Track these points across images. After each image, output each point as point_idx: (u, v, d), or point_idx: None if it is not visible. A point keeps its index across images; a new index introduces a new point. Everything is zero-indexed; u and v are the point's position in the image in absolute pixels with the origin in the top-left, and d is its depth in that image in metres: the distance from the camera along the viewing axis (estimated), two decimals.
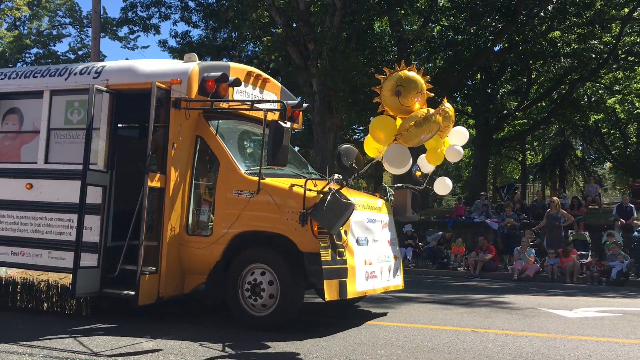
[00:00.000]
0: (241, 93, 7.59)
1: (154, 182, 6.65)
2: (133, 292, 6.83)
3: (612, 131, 34.54)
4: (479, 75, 27.51)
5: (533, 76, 27.60)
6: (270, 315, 6.43)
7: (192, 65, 6.97)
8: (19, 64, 33.63)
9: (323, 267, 6.18)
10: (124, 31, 31.52)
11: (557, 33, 24.27)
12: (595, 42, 23.66)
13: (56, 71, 7.60)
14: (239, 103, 7.44)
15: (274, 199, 6.49)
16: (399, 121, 6.10)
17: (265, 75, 8.12)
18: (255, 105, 7.31)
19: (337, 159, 6.07)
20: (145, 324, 6.83)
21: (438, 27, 25.66)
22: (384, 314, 7.91)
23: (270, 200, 6.51)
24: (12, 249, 7.54)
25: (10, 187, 7.63)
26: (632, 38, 24.90)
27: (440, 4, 24.23)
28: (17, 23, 35.60)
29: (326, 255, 6.24)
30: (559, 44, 24.37)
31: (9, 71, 7.94)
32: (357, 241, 6.78)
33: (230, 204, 6.73)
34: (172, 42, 27.39)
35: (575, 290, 12.38)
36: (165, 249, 6.74)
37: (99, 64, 7.48)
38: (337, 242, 6.42)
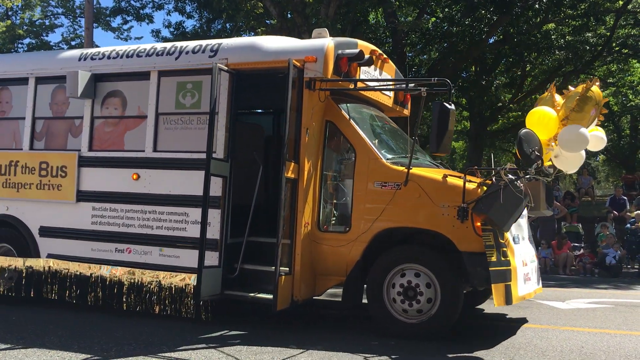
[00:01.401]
0: (365, 73, 6.84)
1: (289, 173, 5.92)
2: (258, 294, 6.21)
3: (605, 124, 34.59)
4: (473, 67, 27.43)
5: (527, 68, 27.72)
6: (427, 323, 5.68)
7: (327, 41, 6.22)
8: None
9: (490, 268, 5.43)
10: (117, 21, 30.90)
11: (551, 25, 24.15)
12: (590, 34, 23.49)
13: (164, 50, 6.88)
14: (385, 82, 6.73)
15: (427, 192, 5.75)
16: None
17: (384, 55, 7.36)
18: (387, 85, 6.56)
19: (518, 145, 5.31)
20: (275, 331, 6.14)
21: (433, 19, 25.36)
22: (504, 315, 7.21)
23: (422, 193, 5.77)
24: (117, 246, 6.87)
25: (113, 177, 6.95)
26: (626, 30, 24.76)
27: None
28: (10, 13, 35.08)
29: (492, 256, 5.49)
30: (553, 36, 24.16)
31: (107, 50, 7.24)
32: (513, 239, 6.02)
33: (372, 197, 5.99)
34: (165, 33, 26.91)
35: (568, 281, 12.38)
36: (299, 247, 6.02)
37: (214, 42, 6.75)
38: (501, 241, 5.66)
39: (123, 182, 6.87)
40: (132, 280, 6.61)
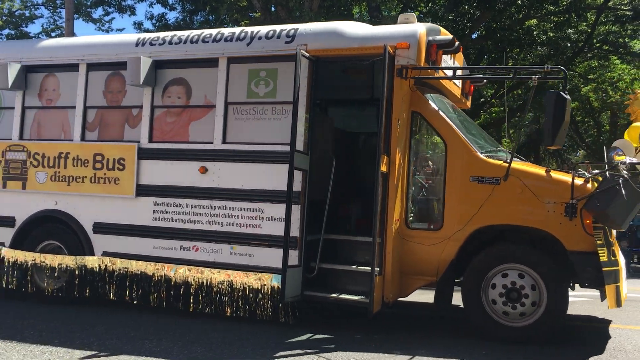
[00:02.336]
0: (444, 62, 6.49)
1: (382, 166, 5.56)
2: (340, 295, 5.87)
3: (586, 119, 35.58)
4: None
5: (510, 64, 27.85)
6: (531, 326, 5.37)
7: (420, 27, 5.86)
8: None
9: (603, 269, 5.13)
10: (98, 13, 30.37)
11: (533, 21, 24.40)
12: (571, 30, 23.67)
13: (232, 35, 6.46)
14: (490, 70, 6.40)
15: (530, 187, 5.43)
16: None
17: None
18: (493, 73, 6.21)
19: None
20: (361, 333, 5.80)
21: (417, 13, 25.32)
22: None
23: (524, 189, 5.44)
24: (182, 244, 6.46)
25: (177, 171, 6.52)
26: (606, 27, 25.01)
27: None
28: None
29: (603, 255, 5.19)
30: (535, 32, 24.42)
31: (169, 35, 6.79)
32: None
33: (467, 193, 5.65)
34: (147, 25, 26.56)
35: None
36: (390, 245, 5.66)
37: (288, 26, 6.35)
38: (610, 239, 5.36)
39: (188, 176, 6.45)
40: (201, 280, 6.21)
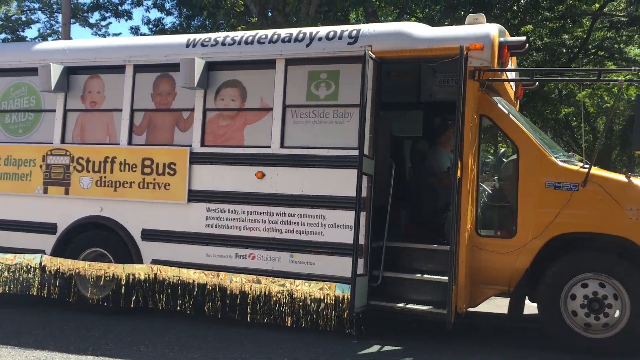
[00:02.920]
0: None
1: (458, 172, 5.36)
2: (407, 305, 5.67)
3: (581, 125, 35.51)
4: None
5: None
6: (614, 337, 5.18)
7: (492, 28, 5.68)
8: None
9: None
10: (95, 17, 30.41)
11: (529, 27, 24.45)
12: (567, 36, 23.79)
13: (290, 36, 6.25)
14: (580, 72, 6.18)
15: (611, 193, 5.24)
16: None
17: None
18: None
19: None
20: (432, 344, 5.59)
21: (413, 19, 25.42)
22: None
23: (605, 195, 5.26)
24: (237, 251, 6.23)
25: (231, 176, 6.30)
26: (602, 33, 25.20)
27: None
28: None
29: None
30: (531, 38, 24.55)
31: (220, 36, 6.58)
32: None
33: (543, 200, 5.45)
34: (144, 29, 26.64)
35: None
36: (463, 254, 5.46)
37: (350, 27, 6.16)
38: None
39: (244, 181, 6.23)
40: (259, 290, 5.99)
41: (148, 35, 25.95)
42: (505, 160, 6.02)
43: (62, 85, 6.95)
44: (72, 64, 7.01)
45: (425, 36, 5.80)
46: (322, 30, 6.19)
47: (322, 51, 6.05)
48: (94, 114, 7.01)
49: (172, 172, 6.48)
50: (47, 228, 6.96)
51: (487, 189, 5.92)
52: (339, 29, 6.16)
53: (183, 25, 27.02)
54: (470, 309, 5.80)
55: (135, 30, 27.04)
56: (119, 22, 44.70)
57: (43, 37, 34.29)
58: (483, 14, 5.95)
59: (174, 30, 26.30)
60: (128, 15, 26.35)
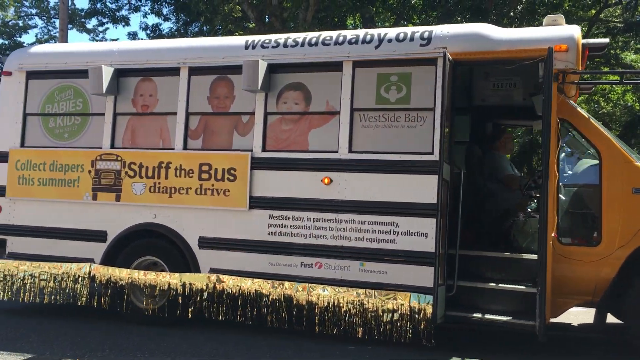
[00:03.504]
0: None
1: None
2: (486, 316, 5.48)
3: None
4: None
5: None
6: None
7: (574, 29, 5.54)
8: None
9: None
10: (92, 23, 30.40)
11: None
12: None
13: (357, 37, 6.06)
14: None
15: None
16: None
17: None
18: None
19: None
20: (517, 357, 5.39)
21: (410, 25, 25.57)
22: None
23: None
24: (303, 260, 6.01)
25: (296, 182, 6.09)
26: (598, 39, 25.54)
27: (413, 2, 23.77)
28: None
29: None
30: None
31: (281, 37, 6.38)
32: None
33: (630, 206, 5.30)
34: (142, 35, 26.55)
35: None
36: (549, 262, 5.27)
37: (420, 29, 5.98)
38: None
39: (310, 187, 6.02)
40: (328, 300, 5.77)
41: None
42: (582, 165, 5.84)
43: (112, 88, 6.72)
44: (122, 66, 6.78)
45: (503, 38, 5.63)
46: (391, 32, 6.01)
47: (393, 53, 5.86)
48: (146, 117, 6.78)
49: (232, 177, 6.25)
50: (96, 236, 6.71)
51: (567, 196, 5.74)
52: (408, 30, 5.98)
53: (180, 31, 26.98)
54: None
55: (133, 36, 27.07)
56: (116, 28, 44.50)
57: (40, 42, 34.07)
58: (562, 16, 5.78)
59: (172, 36, 26.26)
60: (125, 21, 26.30)
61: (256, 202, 6.18)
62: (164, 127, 6.67)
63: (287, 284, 5.94)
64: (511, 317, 5.47)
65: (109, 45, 7.17)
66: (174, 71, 6.61)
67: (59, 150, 6.96)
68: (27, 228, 7.00)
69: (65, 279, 6.70)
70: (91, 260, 6.70)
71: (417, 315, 5.48)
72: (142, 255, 6.65)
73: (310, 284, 5.87)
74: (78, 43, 8.51)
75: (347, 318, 5.73)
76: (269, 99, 6.26)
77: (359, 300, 5.69)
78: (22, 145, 7.13)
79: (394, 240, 5.72)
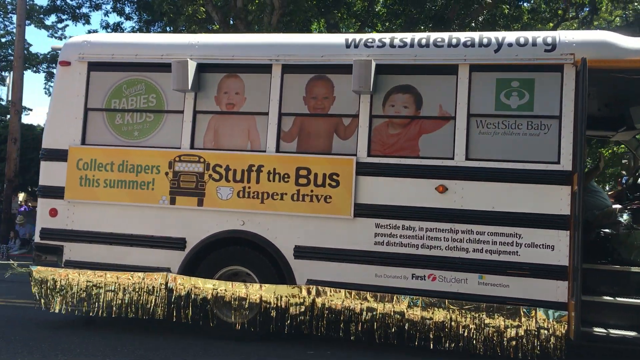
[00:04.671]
0: None
1: None
2: (620, 332, 5.31)
3: None
4: None
5: None
6: None
7: None
8: None
9: None
10: (51, 19, 29.59)
11: None
12: None
13: (473, 41, 5.82)
14: None
15: None
16: None
17: None
18: None
19: None
20: None
21: (374, 32, 26.17)
22: None
23: None
24: (414, 272, 5.71)
25: (406, 189, 5.78)
26: None
27: (377, 9, 24.40)
28: None
29: None
30: None
31: (386, 37, 6.06)
32: None
33: None
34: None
35: None
36: None
37: (542, 34, 5.79)
38: None
39: (422, 195, 5.73)
40: (445, 315, 5.49)
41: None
42: None
43: (194, 84, 6.22)
44: (203, 61, 6.30)
45: (632, 47, 5.51)
46: (509, 36, 5.80)
47: (515, 58, 5.66)
48: (231, 117, 6.31)
49: (334, 183, 5.88)
50: (174, 243, 6.19)
51: None
52: (528, 35, 5.78)
53: (142, 30, 26.42)
54: None
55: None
56: (76, 25, 42.94)
57: None
58: None
59: None
60: (86, 19, 25.94)
61: (361, 210, 5.83)
62: (252, 127, 6.23)
63: (398, 297, 5.62)
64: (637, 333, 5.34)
65: (187, 37, 6.64)
66: (265, 68, 6.19)
67: (129, 149, 6.39)
68: (89, 234, 6.40)
69: (137, 290, 6.15)
70: (167, 270, 6.17)
71: (545, 332, 5.28)
72: (227, 265, 6.18)
73: (423, 297, 5.58)
74: (148, 34, 7.95)
75: (465, 334, 5.47)
76: (375, 101, 5.94)
77: (478, 316, 5.44)
78: (83, 142, 6.52)
79: (517, 252, 5.50)
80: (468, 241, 5.60)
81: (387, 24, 24.94)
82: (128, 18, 25.95)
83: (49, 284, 6.39)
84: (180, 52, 6.35)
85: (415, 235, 5.72)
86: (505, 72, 5.70)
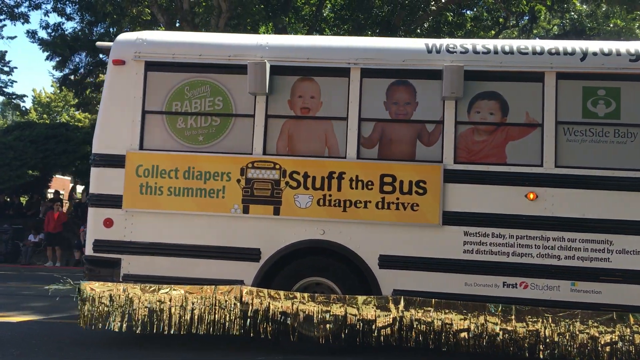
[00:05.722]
0: None
1: None
2: None
3: None
4: None
5: None
6: None
7: None
8: None
9: None
10: None
11: None
12: None
13: (558, 49, 5.86)
14: None
15: None
16: None
17: None
18: None
19: None
20: None
21: (324, 35, 26.91)
22: None
23: None
24: (505, 280, 5.67)
25: (495, 197, 5.74)
26: None
27: (325, 14, 24.89)
28: None
29: None
30: None
31: (467, 43, 6.00)
32: None
33: None
34: (42, 34, 25.42)
35: None
36: None
37: (625, 44, 5.89)
38: None
39: (511, 202, 5.70)
40: (541, 324, 5.48)
41: (46, 40, 24.29)
42: None
43: (267, 87, 5.95)
44: (275, 63, 6.03)
45: None
46: (593, 45, 5.88)
47: (601, 67, 5.74)
48: (306, 122, 6.07)
49: (421, 191, 5.76)
50: (248, 254, 5.89)
51: None
52: (612, 44, 5.88)
53: (85, 31, 25.60)
54: None
55: (32, 34, 25.27)
56: (14, 25, 40.81)
57: None
58: None
59: (75, 37, 24.66)
60: (25, 19, 24.65)
61: (449, 218, 5.74)
62: (330, 132, 6.02)
63: (497, 307, 5.57)
64: None
65: (255, 38, 6.33)
66: (342, 72, 6.00)
67: (195, 155, 6.03)
68: (150, 245, 5.99)
69: (207, 304, 5.81)
70: (240, 283, 5.86)
71: None
72: (306, 276, 5.93)
73: (516, 306, 5.55)
74: (210, 34, 7.50)
75: (560, 341, 5.48)
76: (460, 107, 5.87)
77: (572, 322, 5.46)
78: (141, 147, 6.10)
79: (608, 258, 5.56)
80: (559, 248, 5.62)
81: (334, 29, 25.20)
82: (69, 19, 25.04)
83: (103, 300, 5.92)
84: (249, 53, 6.06)
85: (506, 243, 5.68)
86: (591, 81, 5.77)
